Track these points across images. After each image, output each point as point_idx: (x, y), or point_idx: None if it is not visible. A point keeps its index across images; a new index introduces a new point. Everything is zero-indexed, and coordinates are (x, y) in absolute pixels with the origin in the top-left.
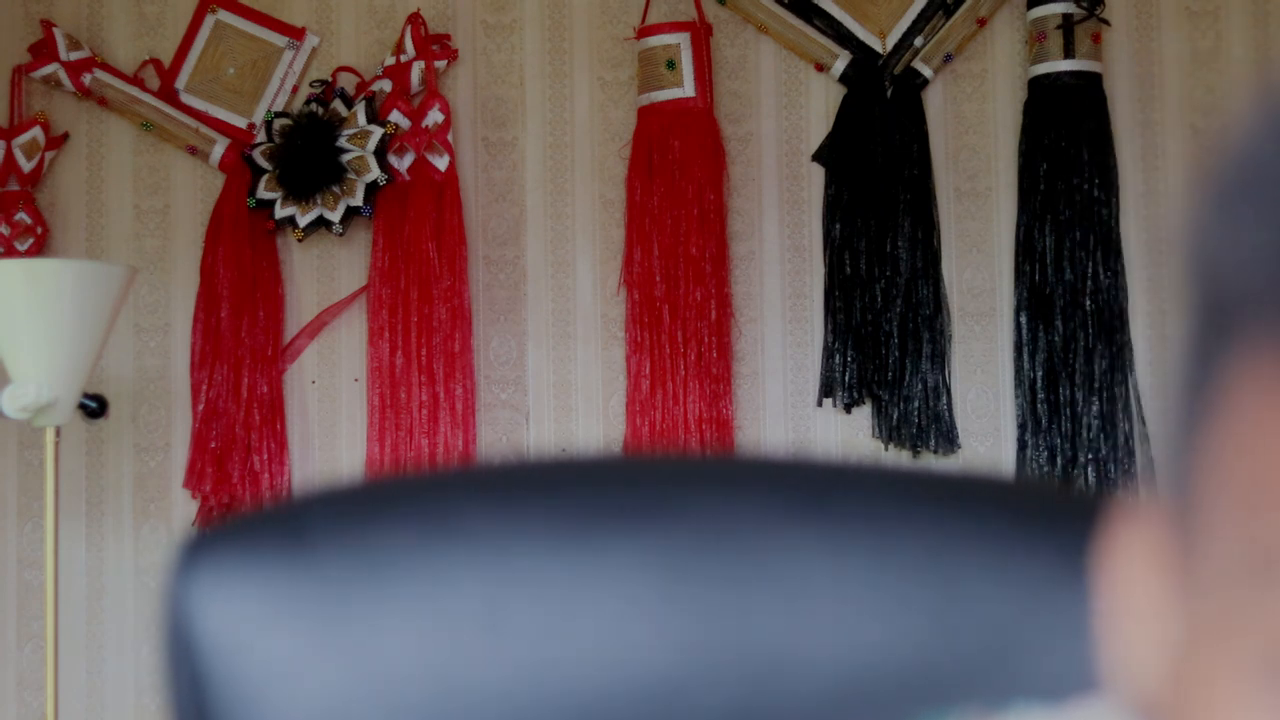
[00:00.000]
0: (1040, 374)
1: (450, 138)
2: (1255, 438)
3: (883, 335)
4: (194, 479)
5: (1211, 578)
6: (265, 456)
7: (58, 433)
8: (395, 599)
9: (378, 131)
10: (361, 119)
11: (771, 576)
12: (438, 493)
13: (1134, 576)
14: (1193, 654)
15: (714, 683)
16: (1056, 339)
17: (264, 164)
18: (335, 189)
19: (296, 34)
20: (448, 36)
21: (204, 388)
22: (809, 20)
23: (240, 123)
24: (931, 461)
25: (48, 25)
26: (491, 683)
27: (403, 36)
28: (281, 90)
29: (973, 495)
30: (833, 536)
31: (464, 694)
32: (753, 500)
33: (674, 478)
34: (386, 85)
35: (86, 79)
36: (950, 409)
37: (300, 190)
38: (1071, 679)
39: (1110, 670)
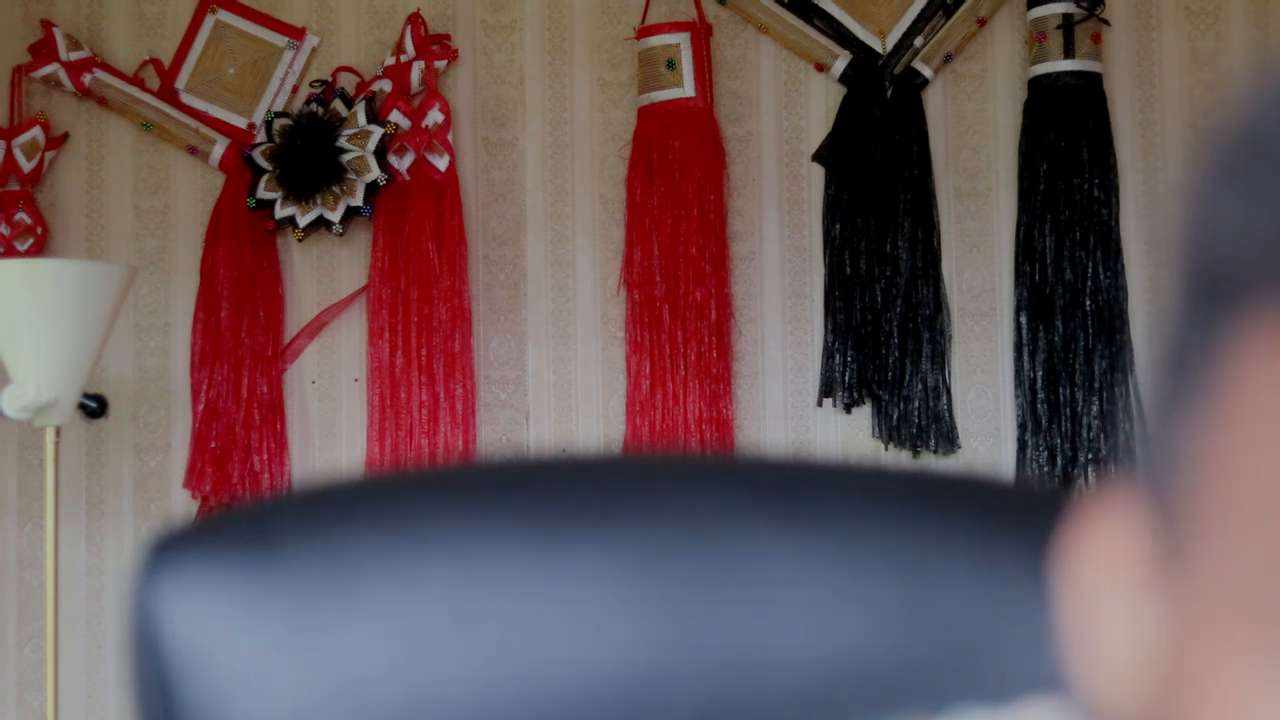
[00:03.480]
0: (1040, 374)
1: (450, 138)
2: (1260, 412)
3: (883, 335)
4: (194, 479)
5: (1215, 566)
6: (265, 456)
7: (58, 433)
8: (363, 600)
9: (378, 131)
10: (361, 119)
11: (741, 576)
12: (406, 494)
13: (1100, 572)
14: (1195, 648)
15: (683, 683)
16: (1056, 339)
17: (264, 164)
18: (335, 189)
19: (296, 34)
20: (448, 36)
21: (204, 388)
22: (809, 20)
23: (240, 123)
24: (931, 461)
25: (48, 25)
26: (460, 684)
27: (403, 36)
28: (281, 90)
29: (943, 495)
30: (802, 536)
31: (432, 696)
32: (722, 500)
33: (644, 477)
34: (386, 85)
35: (86, 79)
36: (950, 409)
37: (300, 190)
38: (1037, 678)
39: (1072, 669)
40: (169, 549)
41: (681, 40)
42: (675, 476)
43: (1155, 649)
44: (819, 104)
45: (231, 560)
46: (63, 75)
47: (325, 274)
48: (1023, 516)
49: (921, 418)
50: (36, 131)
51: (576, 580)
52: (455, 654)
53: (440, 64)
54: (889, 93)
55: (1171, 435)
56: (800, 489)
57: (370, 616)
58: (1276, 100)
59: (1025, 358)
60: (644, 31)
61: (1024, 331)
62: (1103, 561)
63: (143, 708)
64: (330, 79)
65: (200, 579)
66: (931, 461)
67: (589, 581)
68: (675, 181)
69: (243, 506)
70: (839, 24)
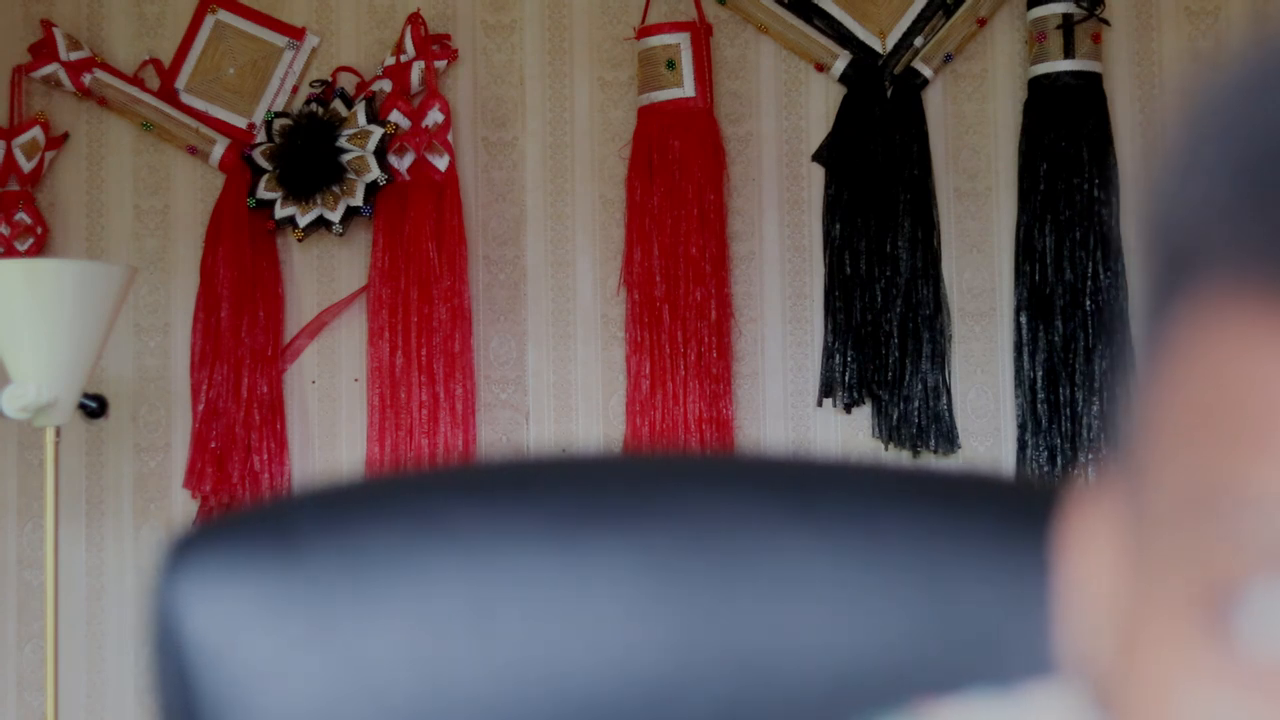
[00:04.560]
0: (1040, 374)
1: (450, 138)
2: (1202, 375)
3: (883, 335)
4: (194, 479)
5: (1154, 524)
6: (265, 456)
7: (58, 433)
8: (382, 599)
9: (378, 131)
10: (361, 119)
11: (759, 575)
12: (425, 492)
13: (1089, 556)
14: (1135, 606)
15: (702, 681)
16: (1056, 339)
17: (264, 164)
18: (335, 189)
19: (296, 34)
20: (448, 36)
21: (204, 388)
22: (809, 20)
23: (240, 123)
24: (931, 461)
25: (48, 25)
26: (478, 683)
27: (403, 36)
28: (281, 90)
29: (959, 492)
30: (820, 535)
31: (450, 694)
32: (740, 499)
33: (662, 477)
34: (386, 85)
35: (86, 79)
36: (950, 409)
37: (300, 190)
38: (1054, 671)
39: (1068, 653)
40: (190, 547)
41: (681, 40)
42: (692, 475)
43: (1120, 622)
44: (819, 104)
45: (252, 558)
46: (63, 75)
47: (325, 274)
48: (1036, 513)
49: (921, 418)
50: (36, 131)
51: (596, 578)
52: (474, 652)
53: (440, 64)
54: (889, 93)
55: (1136, 410)
56: (817, 487)
57: (389, 614)
58: (1226, 85)
59: (1025, 358)
60: (644, 31)
61: (1024, 331)
62: (1089, 543)
63: (163, 705)
64: (330, 79)
65: (221, 577)
66: (932, 461)
67: (608, 580)
68: (675, 181)
69: (261, 505)
70: (839, 24)
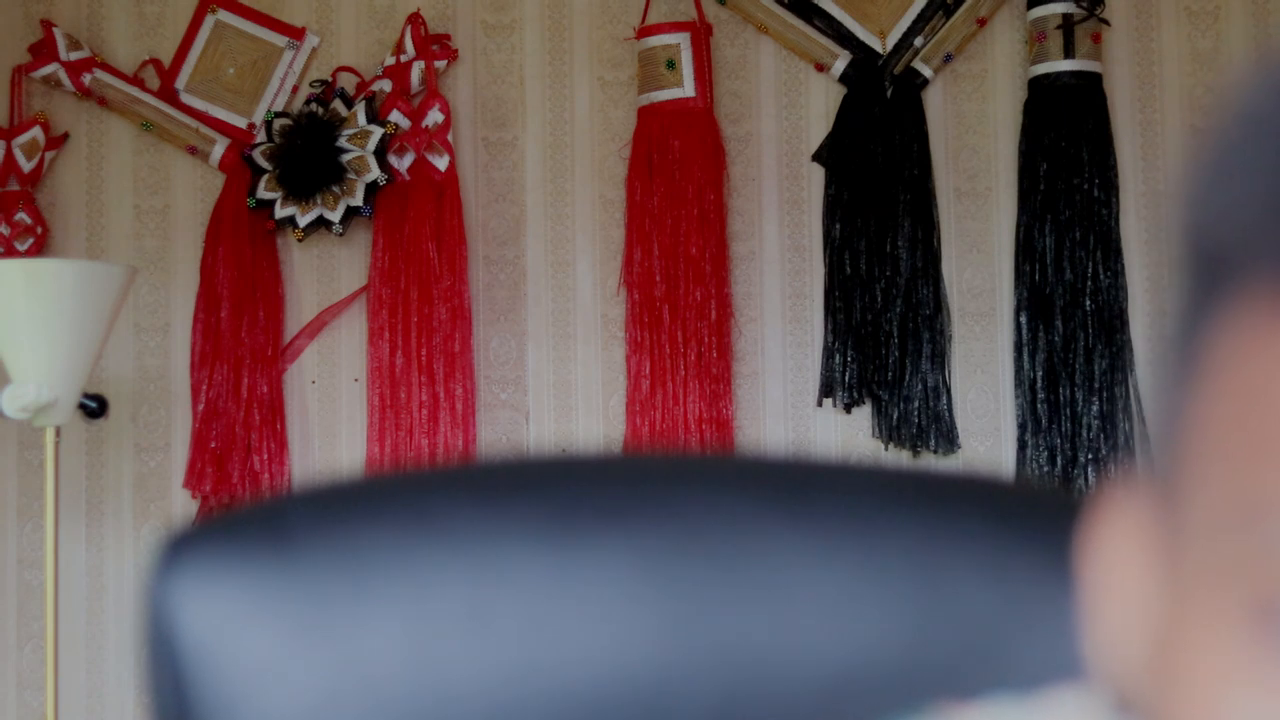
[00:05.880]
0: (1040, 374)
1: (450, 138)
2: (1244, 386)
3: (883, 335)
4: (194, 479)
5: (1194, 535)
6: (265, 456)
7: (58, 433)
8: (378, 598)
9: (378, 131)
10: (361, 119)
11: (755, 575)
12: (420, 491)
13: (1117, 562)
14: (1175, 617)
15: (698, 680)
16: (1056, 339)
17: (264, 164)
18: (335, 189)
19: (296, 34)
20: (448, 36)
21: (204, 388)
22: (809, 20)
23: (240, 123)
24: (931, 461)
25: (48, 25)
26: (474, 682)
27: (403, 36)
28: (281, 90)
29: (955, 494)
30: (816, 535)
31: (446, 693)
32: (736, 499)
33: (658, 477)
34: (386, 85)
35: (86, 79)
36: (950, 409)
37: (300, 190)
38: (1053, 672)
39: (1093, 657)
40: (184, 546)
41: (681, 40)
42: (691, 476)
43: (1158, 631)
44: (819, 104)
45: (247, 557)
46: (63, 75)
47: (325, 274)
48: (1033, 515)
49: (921, 418)
50: (36, 131)
51: (592, 578)
52: (470, 651)
53: (440, 64)
54: (889, 93)
55: (1170, 416)
56: (815, 489)
57: (385, 614)
58: (1268, 88)
59: (1025, 358)
60: (644, 31)
61: (1024, 331)
62: (1119, 552)
63: (157, 705)
64: (330, 79)
65: (215, 576)
66: (932, 461)
67: (604, 579)
68: (675, 181)
69: (257, 504)
70: (839, 24)
